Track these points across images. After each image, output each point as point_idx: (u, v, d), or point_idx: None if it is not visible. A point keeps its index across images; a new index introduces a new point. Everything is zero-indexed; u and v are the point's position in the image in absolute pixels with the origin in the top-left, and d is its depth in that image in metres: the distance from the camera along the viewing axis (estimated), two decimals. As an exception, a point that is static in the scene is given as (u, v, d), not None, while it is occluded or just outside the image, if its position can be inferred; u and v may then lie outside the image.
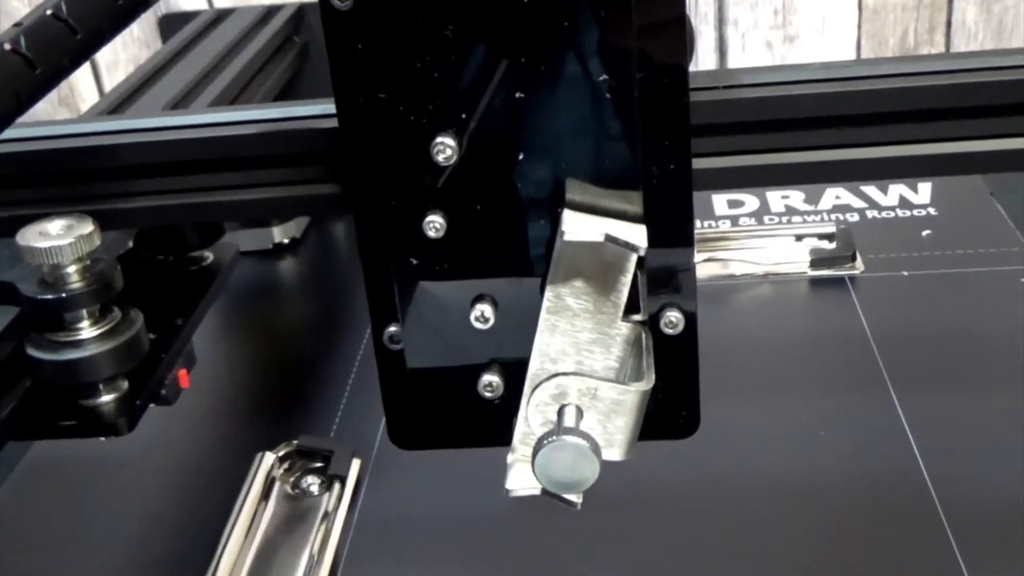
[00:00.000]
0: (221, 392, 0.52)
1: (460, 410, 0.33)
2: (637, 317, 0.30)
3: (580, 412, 0.28)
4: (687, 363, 0.32)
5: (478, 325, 0.30)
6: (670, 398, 0.33)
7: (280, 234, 0.66)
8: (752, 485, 0.43)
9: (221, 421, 0.50)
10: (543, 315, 0.29)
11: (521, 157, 0.28)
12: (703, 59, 0.96)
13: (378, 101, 0.28)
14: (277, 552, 0.41)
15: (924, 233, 0.60)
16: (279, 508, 0.43)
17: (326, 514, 0.42)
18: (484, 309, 0.30)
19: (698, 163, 0.30)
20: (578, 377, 0.28)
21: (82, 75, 0.97)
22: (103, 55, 0.97)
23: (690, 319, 0.31)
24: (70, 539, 0.44)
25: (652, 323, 0.31)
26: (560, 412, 0.28)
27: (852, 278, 0.56)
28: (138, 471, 0.47)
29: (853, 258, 0.57)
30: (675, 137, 0.29)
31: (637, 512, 0.43)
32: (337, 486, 0.43)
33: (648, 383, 0.28)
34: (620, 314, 0.29)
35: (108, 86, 0.96)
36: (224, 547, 0.40)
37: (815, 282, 0.57)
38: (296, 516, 0.42)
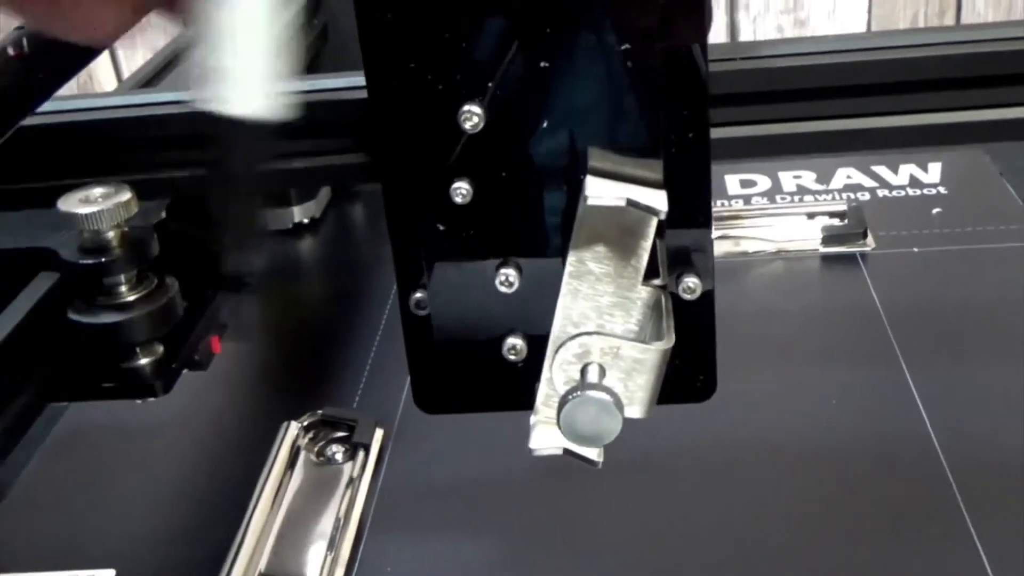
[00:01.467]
0: (246, 366, 0.53)
1: (484, 374, 0.34)
2: (657, 281, 0.31)
3: (603, 370, 0.29)
4: (704, 328, 0.33)
5: (503, 289, 0.31)
6: (688, 362, 0.34)
7: (300, 214, 0.67)
8: (765, 451, 0.44)
9: (247, 393, 0.51)
10: (565, 279, 0.30)
11: (545, 125, 0.29)
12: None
13: (407, 71, 0.29)
14: (304, 517, 0.42)
15: (934, 211, 0.61)
16: (305, 475, 0.44)
17: (351, 481, 0.43)
18: (509, 274, 0.31)
19: (716, 132, 0.31)
20: (601, 336, 0.29)
21: (101, 62, 0.98)
22: (121, 42, 0.98)
23: (707, 284, 0.32)
24: (101, 505, 0.45)
25: (670, 288, 0.32)
26: (583, 371, 0.29)
27: (863, 254, 0.57)
28: (167, 440, 0.48)
29: (864, 235, 0.58)
30: (694, 106, 0.30)
31: (656, 476, 0.44)
32: (361, 454, 0.45)
33: (668, 343, 0.29)
34: (640, 278, 0.30)
35: (126, 72, 0.97)
36: (252, 512, 0.41)
37: (827, 258, 0.58)
38: (321, 483, 0.43)
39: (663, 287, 0.31)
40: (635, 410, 0.29)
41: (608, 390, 0.28)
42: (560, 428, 0.28)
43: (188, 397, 0.50)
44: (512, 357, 0.32)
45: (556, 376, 0.29)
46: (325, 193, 0.69)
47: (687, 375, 0.34)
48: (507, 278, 0.31)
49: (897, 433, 0.44)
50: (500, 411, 0.34)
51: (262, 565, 0.39)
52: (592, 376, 0.29)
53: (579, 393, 0.28)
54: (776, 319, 0.53)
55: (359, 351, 0.53)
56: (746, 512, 0.42)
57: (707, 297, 0.33)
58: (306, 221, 0.67)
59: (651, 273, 0.31)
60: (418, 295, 0.33)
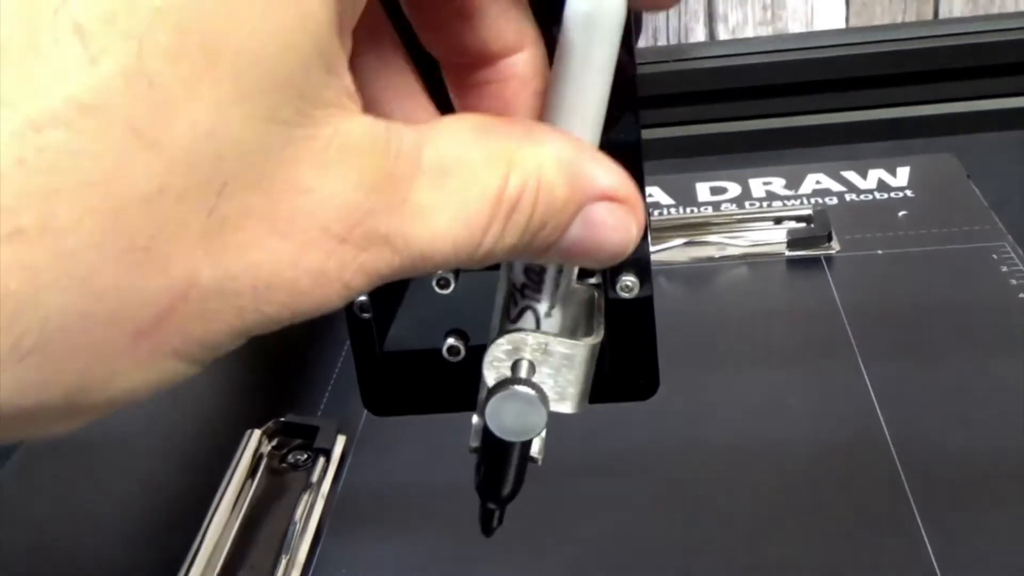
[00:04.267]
0: (213, 375, 0.54)
1: (429, 376, 0.34)
2: (591, 280, 0.32)
3: (532, 367, 0.29)
4: (644, 326, 0.34)
5: (439, 290, 0.32)
6: (629, 361, 0.34)
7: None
8: (723, 448, 0.45)
9: (214, 402, 0.52)
10: (501, 279, 0.30)
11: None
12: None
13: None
14: (262, 521, 0.42)
15: (900, 214, 0.62)
16: (265, 481, 0.44)
17: (310, 486, 0.44)
18: (447, 276, 0.32)
19: (649, 133, 0.32)
20: (531, 333, 0.29)
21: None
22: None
23: (645, 283, 0.33)
24: (64, 515, 0.46)
25: (609, 287, 0.33)
26: (514, 367, 0.29)
27: (828, 257, 0.58)
28: (134, 450, 0.49)
29: (829, 238, 0.59)
30: (624, 107, 0.30)
31: (615, 477, 0.44)
32: (322, 460, 0.45)
33: (596, 338, 0.30)
34: (575, 277, 0.31)
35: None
36: (211, 519, 0.42)
37: (792, 262, 0.58)
38: (282, 488, 0.44)
39: (597, 285, 0.32)
40: (567, 406, 0.30)
41: (532, 384, 0.28)
42: (486, 421, 0.28)
43: (155, 407, 0.51)
44: (452, 358, 0.33)
45: (487, 374, 0.30)
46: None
47: (629, 374, 0.34)
48: (444, 279, 0.32)
49: (852, 430, 0.45)
50: (447, 412, 0.35)
51: (217, 570, 0.40)
52: (521, 372, 0.29)
53: (503, 388, 0.28)
54: (738, 323, 0.54)
55: (326, 360, 0.54)
56: (705, 506, 0.42)
57: (646, 296, 0.33)
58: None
59: (586, 272, 0.31)
60: (362, 298, 0.33)
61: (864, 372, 0.48)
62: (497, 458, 0.31)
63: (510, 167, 0.19)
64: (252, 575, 0.40)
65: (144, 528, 0.44)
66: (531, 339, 0.30)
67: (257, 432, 0.46)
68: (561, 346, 0.29)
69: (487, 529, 0.32)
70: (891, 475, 0.42)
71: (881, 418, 0.45)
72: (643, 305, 0.33)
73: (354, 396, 0.50)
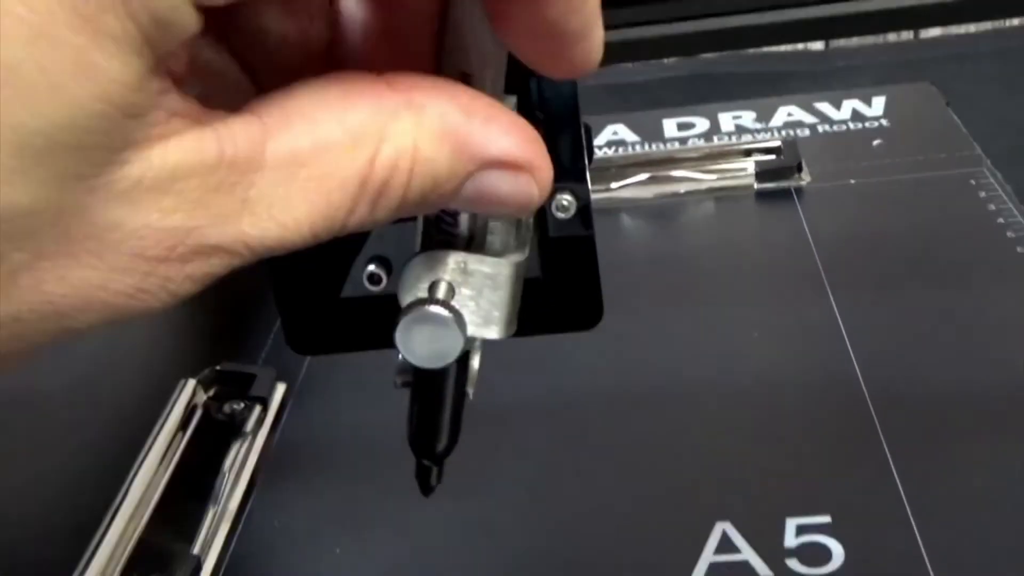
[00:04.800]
0: (149, 323, 0.51)
1: (354, 310, 0.32)
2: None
3: (452, 288, 0.27)
4: (584, 250, 0.31)
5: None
6: (571, 289, 0.32)
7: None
8: (692, 385, 0.43)
9: (148, 351, 0.49)
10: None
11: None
12: None
13: None
14: (194, 471, 0.40)
15: (875, 143, 0.59)
16: (200, 430, 0.42)
17: (245, 435, 0.41)
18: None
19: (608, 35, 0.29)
20: (448, 252, 0.27)
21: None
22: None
23: (583, 203, 0.30)
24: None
25: (544, 206, 0.30)
26: (431, 289, 0.27)
27: (798, 189, 0.55)
28: (61, 399, 0.47)
29: (799, 169, 0.56)
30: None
31: (578, 416, 0.42)
32: (258, 408, 0.43)
33: (521, 255, 0.27)
34: None
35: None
36: (137, 469, 0.39)
37: (761, 195, 0.55)
38: (216, 438, 0.41)
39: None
40: (492, 331, 0.27)
41: (444, 304, 0.26)
42: (398, 347, 0.26)
43: (85, 355, 0.48)
44: (373, 287, 0.30)
45: (402, 296, 0.27)
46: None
47: (571, 302, 0.32)
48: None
49: (822, 364, 0.42)
50: (375, 349, 0.32)
51: (143, 524, 0.37)
52: (438, 294, 0.26)
53: (413, 310, 0.25)
54: (706, 258, 0.51)
55: (269, 304, 0.51)
56: (671, 442, 0.40)
57: (585, 218, 0.31)
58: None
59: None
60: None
61: (834, 305, 0.45)
62: (428, 395, 0.29)
63: (379, 143, 0.17)
64: (179, 527, 0.37)
65: (69, 481, 0.42)
66: (450, 259, 0.27)
67: (192, 381, 0.44)
68: (482, 265, 0.27)
69: (425, 488, 0.29)
70: (861, 410, 0.39)
71: (851, 352, 0.42)
72: (582, 224, 0.31)
73: (297, 344, 0.48)
